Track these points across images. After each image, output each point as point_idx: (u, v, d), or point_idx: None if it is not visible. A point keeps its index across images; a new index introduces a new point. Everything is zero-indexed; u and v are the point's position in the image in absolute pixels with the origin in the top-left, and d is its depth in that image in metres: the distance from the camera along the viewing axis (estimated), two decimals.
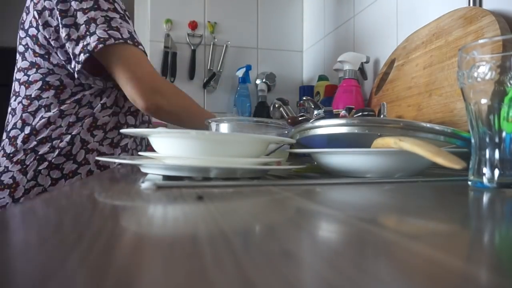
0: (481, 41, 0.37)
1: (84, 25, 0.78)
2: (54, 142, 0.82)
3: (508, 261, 0.16)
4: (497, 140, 0.36)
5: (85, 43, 0.77)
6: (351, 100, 1.04)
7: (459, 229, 0.22)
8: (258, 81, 1.57)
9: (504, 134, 0.36)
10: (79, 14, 0.78)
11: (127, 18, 0.83)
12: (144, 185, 0.35)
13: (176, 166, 0.42)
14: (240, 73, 1.53)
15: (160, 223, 0.22)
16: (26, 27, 0.84)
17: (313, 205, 0.29)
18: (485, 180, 0.37)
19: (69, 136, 0.83)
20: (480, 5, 0.76)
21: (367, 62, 1.10)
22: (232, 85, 1.58)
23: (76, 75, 0.82)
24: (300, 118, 0.84)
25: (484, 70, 0.36)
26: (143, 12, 1.63)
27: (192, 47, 1.53)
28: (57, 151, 0.82)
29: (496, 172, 0.36)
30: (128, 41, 0.79)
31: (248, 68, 1.54)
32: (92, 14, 0.78)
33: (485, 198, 0.33)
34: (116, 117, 0.89)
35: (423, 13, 0.94)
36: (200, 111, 0.92)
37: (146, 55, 0.84)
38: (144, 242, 0.17)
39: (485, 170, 0.37)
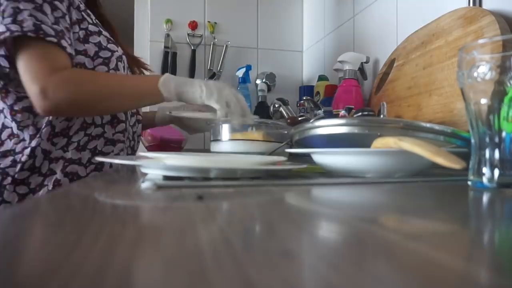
0: (481, 41, 0.37)
1: None
2: (16, 156, 0.77)
3: (508, 261, 0.16)
4: (497, 140, 0.36)
5: None
6: (351, 100, 1.04)
7: (459, 229, 0.22)
8: (258, 81, 1.57)
9: (504, 134, 0.36)
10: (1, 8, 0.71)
11: (48, 8, 0.73)
12: (144, 185, 0.35)
13: (176, 166, 0.42)
14: (240, 73, 1.53)
15: (160, 223, 0.22)
16: None
17: (313, 205, 0.29)
18: (485, 180, 0.37)
19: (29, 149, 0.77)
20: (480, 5, 0.76)
21: (367, 62, 1.11)
22: (232, 85, 1.57)
23: (1, 82, 0.75)
24: (300, 118, 0.84)
25: (484, 70, 0.36)
26: (143, 12, 1.63)
27: (192, 47, 1.53)
28: (19, 166, 0.76)
29: (496, 172, 0.36)
30: (30, 33, 0.69)
31: (248, 68, 1.54)
32: (4, 5, 0.70)
33: (485, 198, 0.33)
34: (80, 118, 0.81)
35: (423, 13, 0.94)
36: (128, 85, 0.77)
37: (61, 45, 0.72)
38: (144, 242, 0.17)
39: (485, 170, 0.37)
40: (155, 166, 0.44)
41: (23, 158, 0.77)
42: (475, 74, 0.36)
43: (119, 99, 0.77)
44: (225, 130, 0.77)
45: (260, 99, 1.53)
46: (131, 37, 1.72)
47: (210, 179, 0.41)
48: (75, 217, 0.24)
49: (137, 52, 1.62)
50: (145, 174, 0.48)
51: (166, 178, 0.43)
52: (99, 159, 0.45)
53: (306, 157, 0.77)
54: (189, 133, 1.07)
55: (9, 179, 0.76)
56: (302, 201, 0.31)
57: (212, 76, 1.53)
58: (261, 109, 1.49)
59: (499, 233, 0.22)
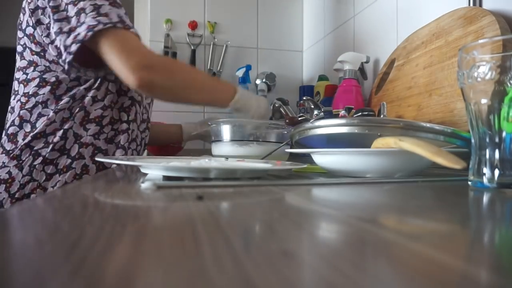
0: (481, 41, 0.37)
1: (75, 16, 0.78)
2: (48, 137, 0.82)
3: (508, 261, 0.16)
4: (497, 140, 0.36)
5: (76, 33, 0.77)
6: (351, 100, 1.04)
7: (459, 229, 0.22)
8: (258, 81, 1.57)
9: (504, 134, 0.36)
10: (69, 7, 0.79)
11: (117, 3, 0.82)
12: (144, 185, 0.35)
13: (176, 167, 0.42)
14: (240, 73, 1.53)
15: (160, 223, 0.22)
16: (23, 27, 0.85)
17: (313, 205, 0.29)
18: (485, 180, 0.37)
19: (62, 131, 0.82)
20: (480, 5, 0.76)
21: (367, 62, 1.10)
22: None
23: (66, 67, 0.81)
24: (299, 119, 0.84)
25: (484, 70, 0.36)
26: (143, 12, 1.63)
27: (192, 47, 1.53)
28: (51, 146, 0.82)
29: (496, 172, 0.36)
30: (118, 24, 0.77)
31: (248, 68, 1.54)
32: (81, 4, 0.78)
33: (485, 198, 0.33)
34: (111, 111, 0.88)
35: (423, 13, 0.94)
36: (208, 85, 0.87)
37: (140, 38, 0.82)
38: (144, 242, 0.17)
39: (485, 170, 0.37)
40: (155, 166, 0.44)
41: (55, 139, 0.82)
42: (475, 74, 0.36)
43: (199, 95, 0.86)
44: (226, 131, 0.77)
45: None
46: None
47: (210, 179, 0.41)
48: (75, 217, 0.24)
49: None
50: (145, 174, 0.48)
51: (166, 178, 0.43)
52: (99, 159, 0.45)
53: (306, 157, 0.77)
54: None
55: (40, 159, 0.81)
56: (302, 201, 0.31)
57: (212, 76, 1.53)
58: None
59: (499, 233, 0.22)
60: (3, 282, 0.12)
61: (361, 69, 1.11)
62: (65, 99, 0.84)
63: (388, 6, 1.08)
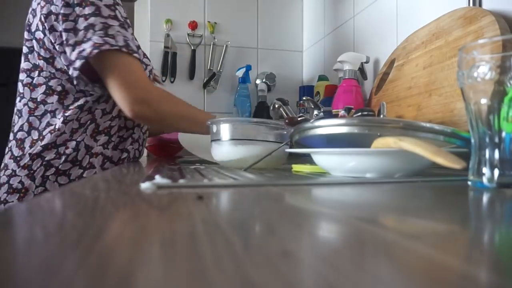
0: (481, 41, 0.37)
1: (83, 31, 0.79)
2: (59, 149, 0.85)
3: (508, 261, 0.16)
4: (497, 140, 0.36)
5: (81, 49, 0.79)
6: (351, 100, 1.04)
7: (459, 229, 0.22)
8: (258, 81, 1.57)
9: (504, 134, 0.36)
10: (80, 20, 0.80)
11: (126, 26, 0.85)
12: (144, 185, 0.35)
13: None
14: (240, 73, 1.53)
15: (160, 223, 0.22)
16: (33, 30, 0.85)
17: (313, 205, 0.29)
18: (485, 180, 0.37)
19: (74, 143, 0.85)
20: (480, 5, 0.76)
21: (367, 62, 1.10)
22: (232, 85, 1.58)
23: (75, 81, 0.83)
24: (299, 119, 0.84)
25: (484, 70, 0.36)
26: (143, 12, 1.63)
27: (192, 47, 1.53)
28: (63, 158, 0.84)
29: (496, 172, 0.36)
30: (123, 48, 0.80)
31: (248, 68, 1.54)
32: (92, 20, 0.79)
33: (485, 198, 0.33)
34: (118, 120, 0.91)
35: (423, 13, 0.94)
36: (195, 116, 0.93)
37: (143, 62, 0.85)
38: (144, 242, 0.17)
39: (485, 170, 0.37)
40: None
41: (68, 151, 0.85)
42: (475, 74, 0.36)
43: (189, 125, 0.92)
44: (225, 130, 0.77)
45: (260, 99, 1.53)
46: None
47: (210, 179, 0.41)
48: (74, 217, 0.24)
49: None
50: (146, 175, 0.48)
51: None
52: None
53: (306, 157, 0.77)
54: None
55: (53, 169, 0.84)
56: (302, 201, 0.31)
57: (212, 76, 1.53)
58: (261, 109, 1.49)
59: (499, 233, 0.22)
60: (4, 281, 0.12)
61: (361, 69, 1.11)
62: (73, 110, 0.86)
63: (388, 6, 1.08)
